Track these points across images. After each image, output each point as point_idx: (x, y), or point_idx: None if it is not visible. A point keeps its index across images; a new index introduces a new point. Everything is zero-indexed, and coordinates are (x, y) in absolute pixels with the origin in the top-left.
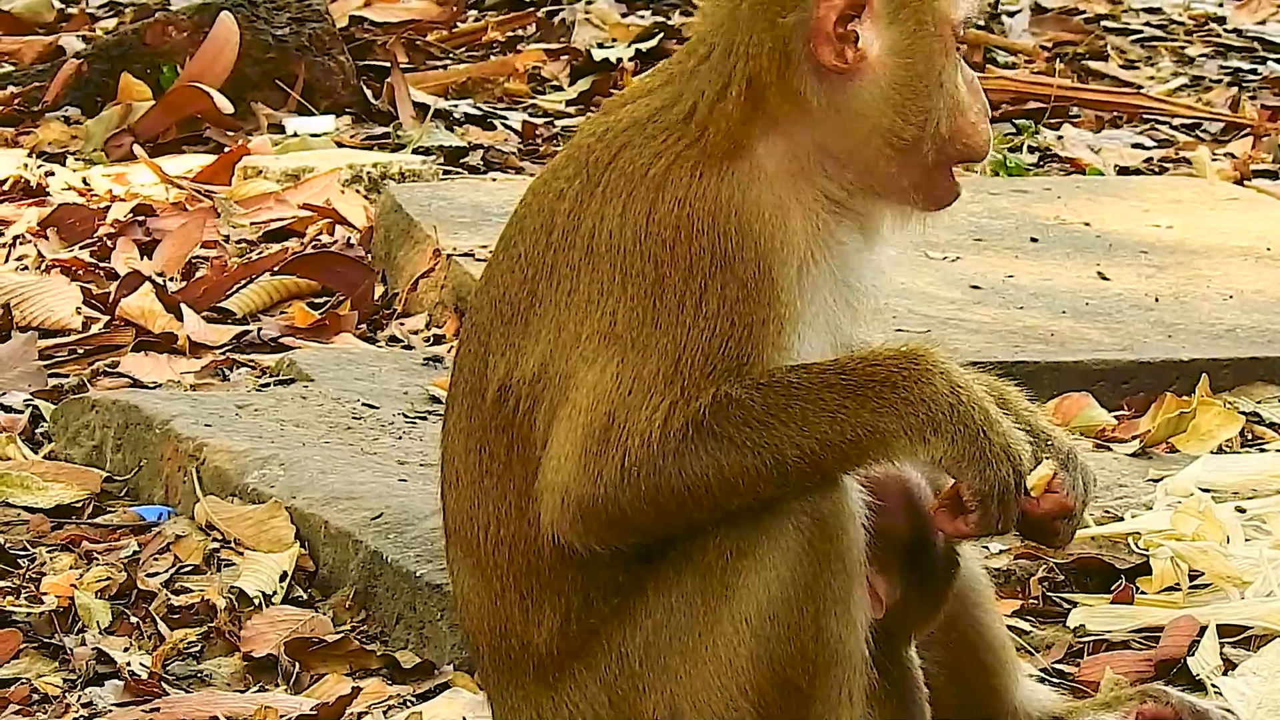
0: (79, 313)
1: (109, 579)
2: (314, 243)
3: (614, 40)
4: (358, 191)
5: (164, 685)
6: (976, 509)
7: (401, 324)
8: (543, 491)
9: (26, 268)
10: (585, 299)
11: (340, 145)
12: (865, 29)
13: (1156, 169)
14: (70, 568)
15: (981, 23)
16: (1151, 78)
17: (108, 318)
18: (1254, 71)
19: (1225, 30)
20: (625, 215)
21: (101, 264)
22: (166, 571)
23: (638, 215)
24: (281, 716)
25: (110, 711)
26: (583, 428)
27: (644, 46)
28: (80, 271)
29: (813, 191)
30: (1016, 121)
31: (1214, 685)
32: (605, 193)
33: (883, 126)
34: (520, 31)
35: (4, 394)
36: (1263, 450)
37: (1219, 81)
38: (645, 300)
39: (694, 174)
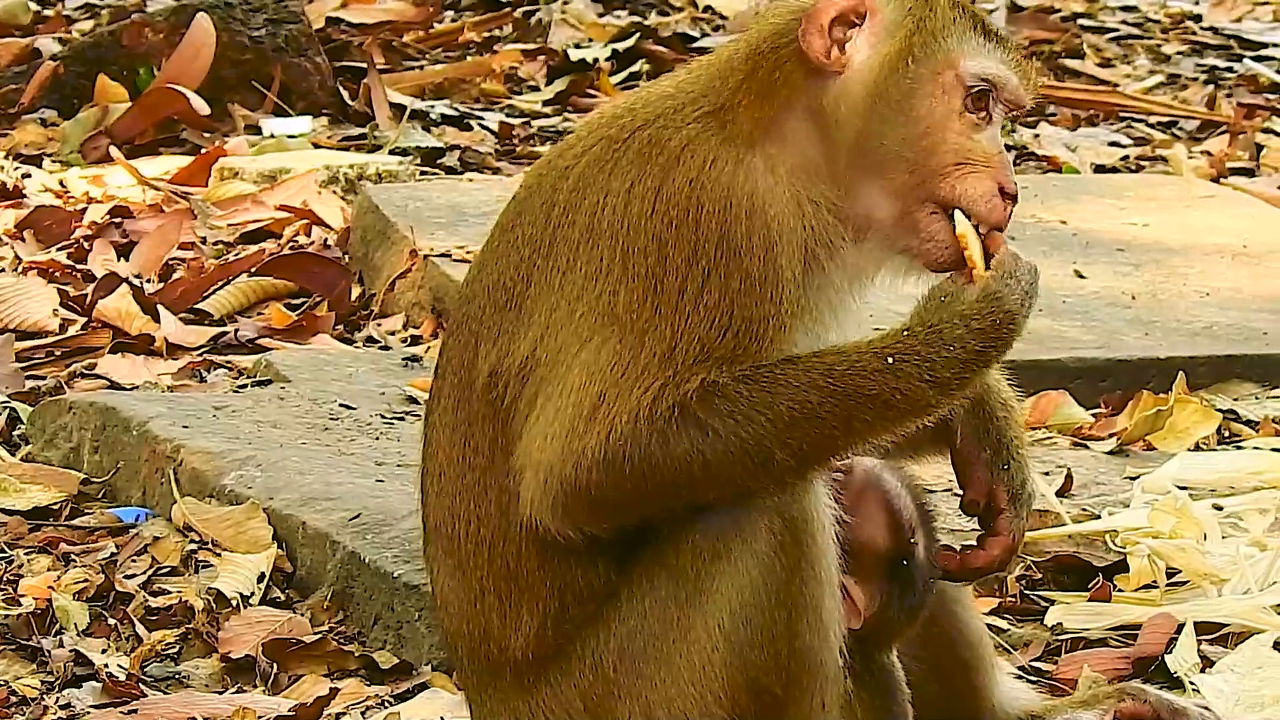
0: (56, 314)
1: (87, 581)
2: (291, 244)
3: (590, 40)
4: (334, 192)
5: (142, 687)
6: None
7: (379, 325)
8: (524, 469)
9: (3, 270)
10: (583, 276)
11: (317, 146)
12: (858, 37)
13: (1133, 167)
14: (48, 569)
15: None
16: (1128, 76)
17: (85, 319)
18: (1230, 69)
19: (1201, 28)
20: (633, 191)
21: (78, 266)
22: (144, 573)
23: (646, 192)
24: (259, 718)
25: (88, 713)
26: (572, 406)
27: (620, 46)
28: (57, 273)
29: (819, 196)
30: None
31: (1192, 683)
32: (616, 167)
33: (849, 137)
34: (497, 32)
35: None
36: (1239, 447)
37: (1195, 79)
38: (646, 282)
39: (709, 157)
